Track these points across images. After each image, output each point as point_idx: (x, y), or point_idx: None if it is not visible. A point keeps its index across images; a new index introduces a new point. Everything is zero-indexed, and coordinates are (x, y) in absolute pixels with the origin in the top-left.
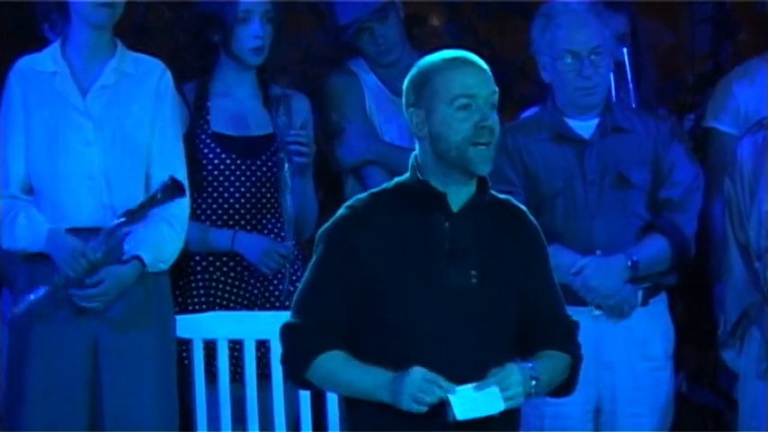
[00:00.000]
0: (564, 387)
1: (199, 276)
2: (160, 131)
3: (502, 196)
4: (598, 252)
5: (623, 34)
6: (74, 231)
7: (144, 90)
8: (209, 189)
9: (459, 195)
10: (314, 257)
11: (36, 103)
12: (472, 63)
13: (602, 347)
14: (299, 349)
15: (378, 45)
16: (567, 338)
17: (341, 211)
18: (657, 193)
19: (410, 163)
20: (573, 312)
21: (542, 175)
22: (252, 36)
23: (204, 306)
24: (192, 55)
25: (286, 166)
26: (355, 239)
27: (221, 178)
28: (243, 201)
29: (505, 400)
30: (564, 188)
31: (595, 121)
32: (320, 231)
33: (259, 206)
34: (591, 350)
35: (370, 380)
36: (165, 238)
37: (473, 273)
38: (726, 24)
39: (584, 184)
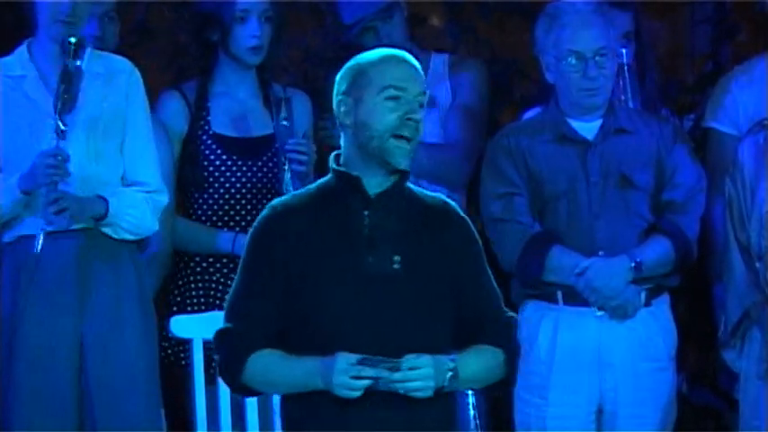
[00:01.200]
0: (501, 383)
1: (198, 277)
2: (132, 130)
3: (430, 193)
4: (601, 253)
5: (628, 33)
6: (53, 235)
7: (114, 89)
8: (210, 190)
9: (378, 184)
10: (240, 261)
11: (5, 108)
12: (407, 61)
13: (604, 348)
14: (232, 354)
15: (382, 44)
16: (502, 334)
17: (263, 212)
18: (660, 195)
19: (329, 165)
20: (575, 313)
21: (545, 176)
22: (250, 35)
23: (204, 306)
24: (192, 55)
25: (287, 171)
26: (276, 239)
27: (222, 179)
28: (243, 201)
29: (409, 390)
30: (567, 189)
31: (598, 123)
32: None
33: (260, 207)
34: (593, 351)
35: (300, 369)
36: (135, 201)
37: (395, 258)
38: (726, 24)
39: (586, 185)
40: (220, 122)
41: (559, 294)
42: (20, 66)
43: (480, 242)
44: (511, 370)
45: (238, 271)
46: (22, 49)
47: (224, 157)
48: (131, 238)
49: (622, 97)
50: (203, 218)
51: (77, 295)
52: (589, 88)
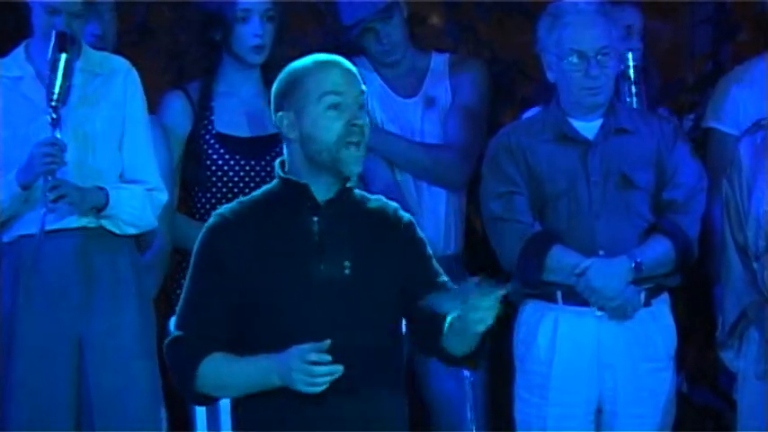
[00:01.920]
0: (471, 356)
1: None
2: (130, 129)
3: (373, 196)
4: (601, 252)
5: (634, 26)
6: (53, 234)
7: (111, 89)
8: (213, 189)
9: (326, 190)
10: (188, 270)
11: (4, 109)
12: (340, 64)
13: (603, 348)
14: (183, 361)
15: (382, 45)
16: None
17: (210, 219)
18: (661, 195)
19: (276, 172)
20: (575, 312)
21: (546, 175)
22: (252, 35)
23: None
24: (195, 54)
25: None
26: (223, 247)
27: (225, 178)
28: None
29: (475, 322)
30: (567, 189)
31: (599, 122)
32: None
33: None
34: (593, 351)
35: (254, 369)
36: (135, 194)
37: (346, 264)
38: (726, 24)
39: (587, 184)
40: (224, 122)
41: (559, 294)
42: (17, 66)
43: (425, 239)
44: (479, 349)
45: (187, 279)
46: (19, 50)
47: (227, 156)
48: (133, 231)
49: (627, 100)
50: (206, 217)
51: (77, 295)
52: (591, 87)
